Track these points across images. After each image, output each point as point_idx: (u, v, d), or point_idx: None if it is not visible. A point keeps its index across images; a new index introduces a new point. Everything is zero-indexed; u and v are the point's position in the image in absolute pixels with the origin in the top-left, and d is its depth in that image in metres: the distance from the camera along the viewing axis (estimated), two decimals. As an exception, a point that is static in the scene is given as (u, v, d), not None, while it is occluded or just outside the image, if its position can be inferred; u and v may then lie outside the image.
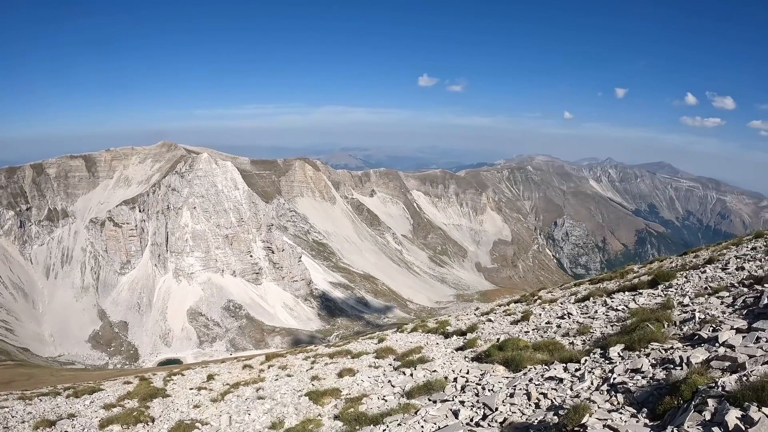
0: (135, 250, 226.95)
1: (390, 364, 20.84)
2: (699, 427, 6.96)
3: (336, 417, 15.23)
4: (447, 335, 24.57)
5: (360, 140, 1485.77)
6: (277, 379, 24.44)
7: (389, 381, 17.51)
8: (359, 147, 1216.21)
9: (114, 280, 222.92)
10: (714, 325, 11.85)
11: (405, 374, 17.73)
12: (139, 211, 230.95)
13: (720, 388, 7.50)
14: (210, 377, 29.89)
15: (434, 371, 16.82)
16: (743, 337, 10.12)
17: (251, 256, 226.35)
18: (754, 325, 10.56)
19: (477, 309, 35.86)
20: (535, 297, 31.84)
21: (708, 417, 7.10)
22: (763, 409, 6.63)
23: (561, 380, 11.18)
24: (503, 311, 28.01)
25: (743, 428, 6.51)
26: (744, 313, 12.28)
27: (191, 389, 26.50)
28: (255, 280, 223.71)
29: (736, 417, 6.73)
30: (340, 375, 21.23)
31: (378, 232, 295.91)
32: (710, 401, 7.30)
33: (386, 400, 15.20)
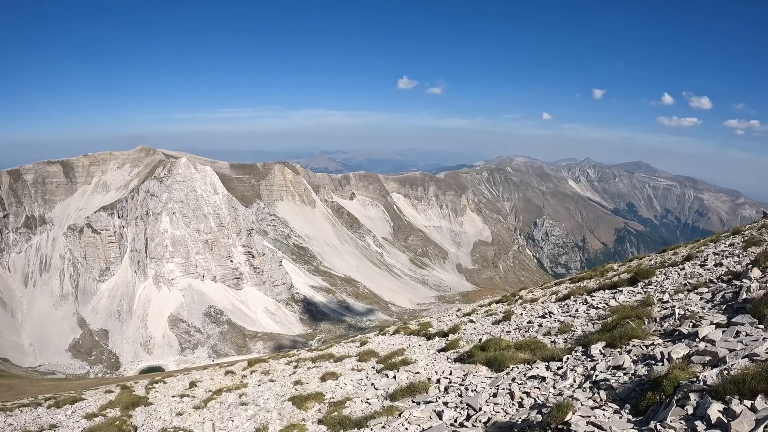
0: (114, 257, 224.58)
1: (373, 367, 20.84)
2: (682, 421, 7.03)
3: (320, 421, 15.18)
4: (429, 337, 24.57)
5: (340, 144, 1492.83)
6: (259, 385, 24.34)
7: (372, 384, 17.54)
8: (339, 150, 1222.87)
9: (93, 287, 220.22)
10: (694, 321, 12.00)
11: (388, 377, 17.75)
12: (118, 217, 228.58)
13: (701, 383, 7.56)
14: (192, 384, 29.78)
15: (417, 373, 16.86)
16: (723, 331, 10.24)
17: (232, 261, 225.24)
18: (734, 320, 10.73)
19: (459, 310, 36.03)
20: (516, 297, 32.05)
21: (690, 411, 7.18)
22: (745, 401, 6.73)
23: (544, 379, 11.29)
24: (485, 312, 28.10)
25: (725, 421, 6.58)
26: (723, 308, 12.47)
27: (173, 397, 26.34)
28: (236, 285, 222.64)
29: (718, 410, 6.82)
30: (323, 379, 21.16)
31: (358, 235, 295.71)
32: (692, 395, 7.39)
33: (370, 403, 15.18)
